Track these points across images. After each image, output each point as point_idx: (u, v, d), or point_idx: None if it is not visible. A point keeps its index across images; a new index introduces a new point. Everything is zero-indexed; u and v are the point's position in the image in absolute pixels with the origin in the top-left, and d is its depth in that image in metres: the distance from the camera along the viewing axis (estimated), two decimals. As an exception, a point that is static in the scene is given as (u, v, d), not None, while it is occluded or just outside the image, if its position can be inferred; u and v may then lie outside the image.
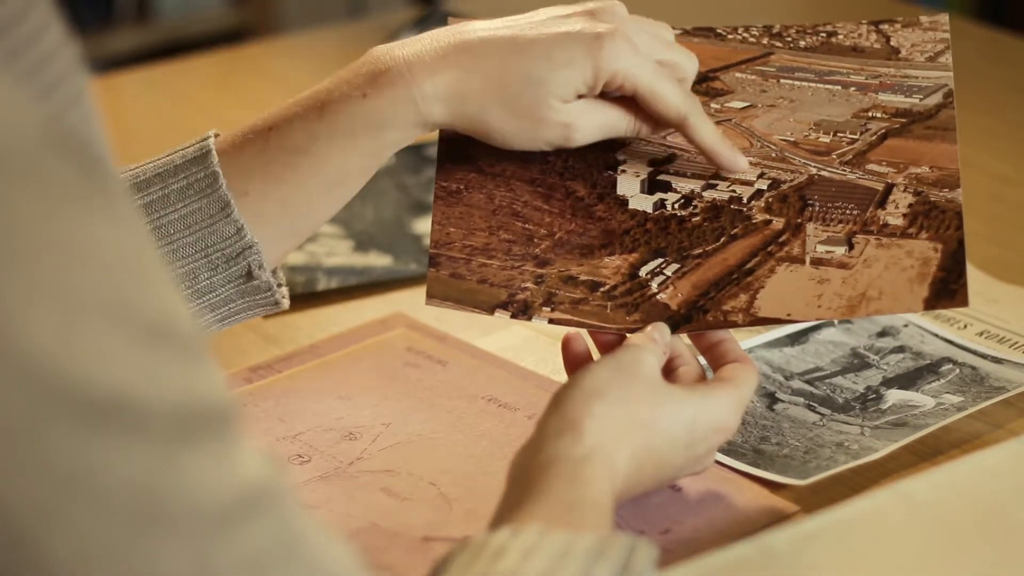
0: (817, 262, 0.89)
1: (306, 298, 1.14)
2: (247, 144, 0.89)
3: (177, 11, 3.18)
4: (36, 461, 0.50)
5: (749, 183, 0.92)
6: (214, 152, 0.88)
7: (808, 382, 0.99)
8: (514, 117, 0.88)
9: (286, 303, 0.92)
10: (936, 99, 0.94)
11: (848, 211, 0.90)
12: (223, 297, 0.90)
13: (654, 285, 0.89)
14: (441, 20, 1.55)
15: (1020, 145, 1.41)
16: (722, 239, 0.90)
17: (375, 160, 0.89)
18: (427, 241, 1.02)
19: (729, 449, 0.91)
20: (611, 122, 0.90)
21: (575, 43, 0.87)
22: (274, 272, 0.92)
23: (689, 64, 0.91)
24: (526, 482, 0.76)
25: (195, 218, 0.88)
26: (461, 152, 0.93)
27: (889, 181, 0.91)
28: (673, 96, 0.89)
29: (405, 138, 0.89)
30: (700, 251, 0.90)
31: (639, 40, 0.89)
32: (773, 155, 0.93)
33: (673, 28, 0.96)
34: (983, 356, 1.02)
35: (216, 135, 0.90)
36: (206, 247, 0.88)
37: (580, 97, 0.88)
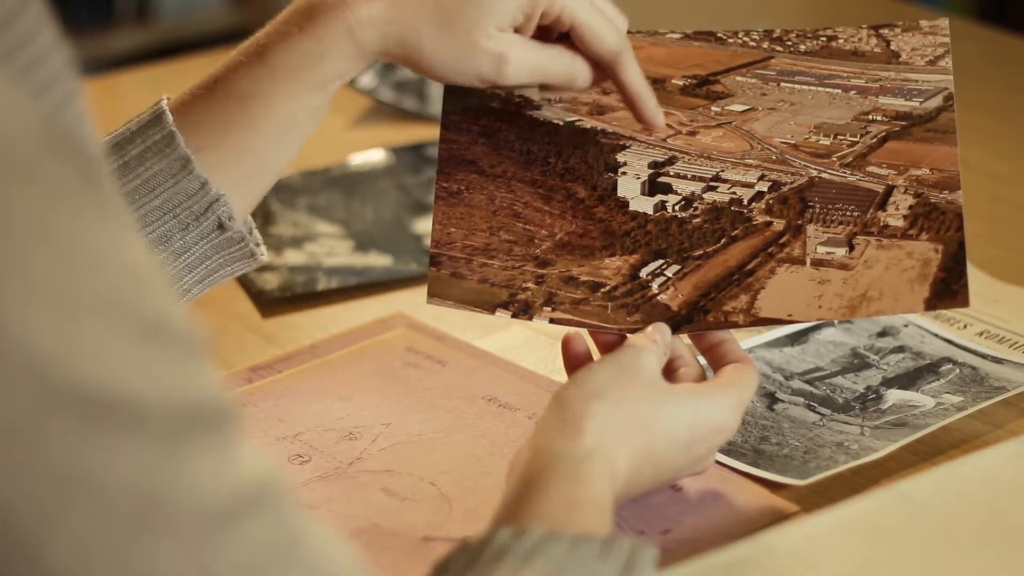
0: (818, 263, 0.89)
1: (306, 298, 1.14)
2: (196, 100, 0.89)
3: (177, 11, 3.18)
4: (35, 460, 0.50)
5: (750, 185, 0.92)
6: (168, 112, 0.88)
7: (808, 382, 0.99)
8: (448, 41, 0.87)
9: (262, 254, 0.92)
10: (936, 102, 0.95)
11: (848, 213, 0.90)
12: (198, 255, 0.89)
13: (655, 286, 0.89)
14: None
15: (1020, 145, 1.41)
16: (722, 240, 0.91)
17: (321, 96, 0.89)
18: (427, 241, 1.03)
19: (729, 449, 0.91)
20: (545, 63, 0.89)
21: None
22: (249, 229, 0.91)
23: (620, 17, 0.92)
24: (526, 482, 0.76)
25: (158, 180, 0.88)
26: (462, 153, 0.93)
27: (889, 183, 0.91)
28: (608, 32, 0.90)
29: (347, 70, 0.89)
30: (701, 252, 0.90)
31: None
32: (773, 157, 0.94)
33: (674, 32, 0.97)
34: (983, 356, 1.02)
35: (168, 99, 0.90)
36: (174, 207, 0.88)
37: (516, 31, 0.88)
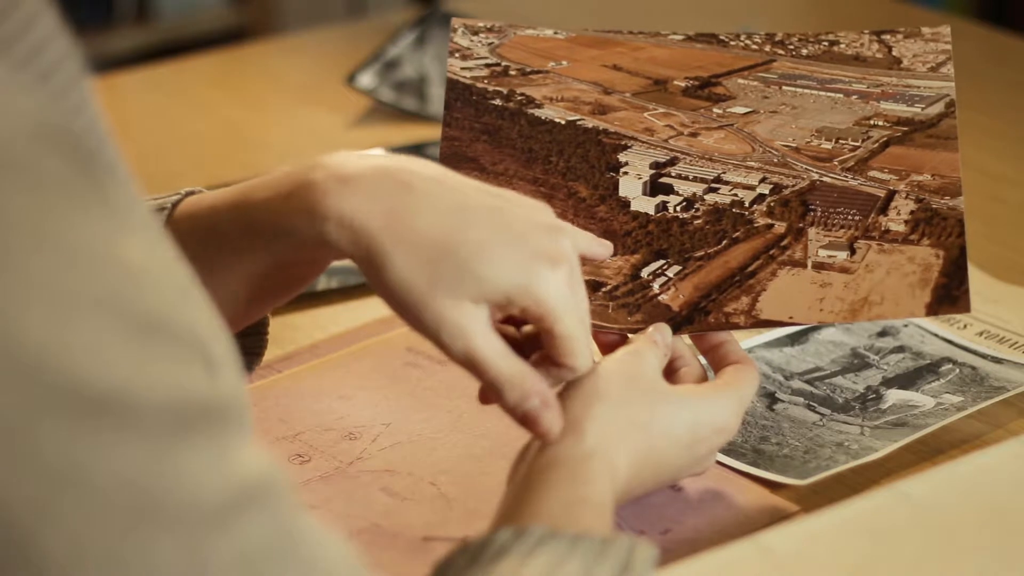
0: (819, 266, 0.89)
1: (306, 298, 1.14)
2: (191, 217, 0.83)
3: (177, 11, 3.18)
4: (30, 457, 0.50)
5: (751, 187, 0.92)
6: (167, 211, 0.83)
7: (808, 382, 0.99)
8: (414, 276, 0.76)
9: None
10: (938, 108, 0.95)
11: (850, 217, 0.90)
12: None
13: (656, 286, 0.89)
14: (441, 20, 1.56)
15: (1020, 145, 1.41)
16: (724, 242, 0.91)
17: (284, 273, 0.82)
18: (427, 241, 1.02)
19: (729, 449, 0.91)
20: (490, 359, 0.77)
21: (523, 253, 0.77)
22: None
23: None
24: (527, 483, 0.76)
25: None
26: (463, 151, 0.93)
27: (891, 188, 0.91)
28: (584, 355, 0.79)
29: (306, 256, 0.81)
30: (702, 253, 0.90)
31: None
32: (775, 160, 0.94)
33: (675, 34, 0.96)
34: (983, 356, 1.02)
35: (191, 193, 0.84)
36: None
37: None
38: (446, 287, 0.75)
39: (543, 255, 0.77)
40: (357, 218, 0.76)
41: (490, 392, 0.79)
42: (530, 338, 0.82)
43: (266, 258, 0.80)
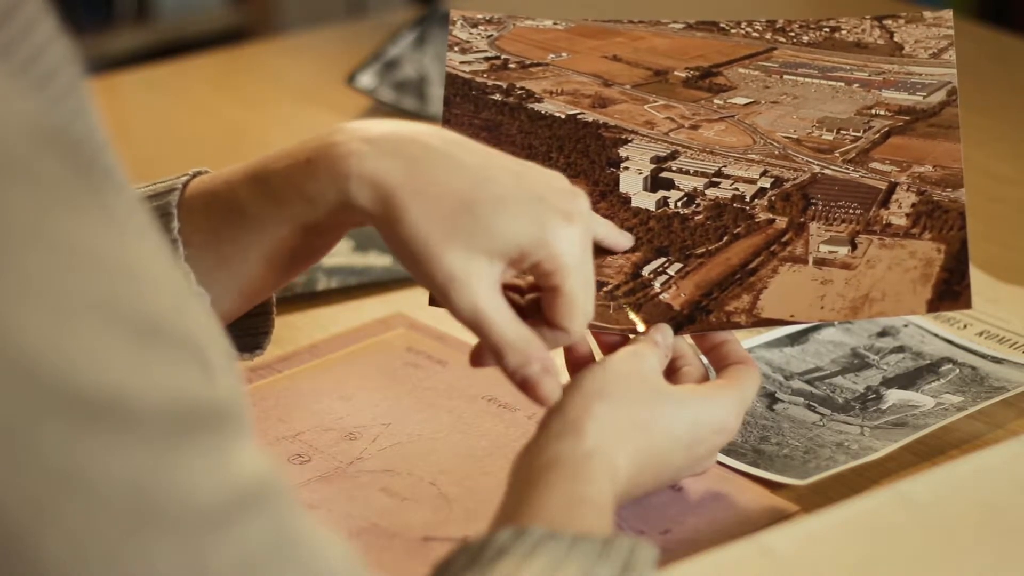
0: (820, 262, 0.89)
1: (306, 298, 1.14)
2: (208, 195, 0.84)
3: (177, 11, 3.18)
4: (28, 459, 0.50)
5: (752, 181, 0.92)
6: (178, 191, 0.84)
7: (808, 382, 0.99)
8: (429, 229, 0.76)
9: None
10: (940, 96, 0.94)
11: (851, 210, 0.90)
12: None
13: (657, 285, 0.89)
14: (441, 20, 1.56)
15: (1020, 145, 1.41)
16: (725, 238, 0.90)
17: (310, 236, 0.82)
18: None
19: (729, 449, 0.91)
20: (494, 321, 0.77)
21: (540, 211, 0.78)
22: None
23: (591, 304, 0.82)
24: (527, 483, 0.76)
25: None
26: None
27: (892, 180, 0.91)
28: (584, 313, 0.80)
29: (329, 220, 0.81)
30: (703, 250, 0.90)
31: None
32: (776, 153, 0.93)
33: (676, 22, 0.96)
34: (983, 356, 1.02)
35: (199, 173, 0.85)
36: None
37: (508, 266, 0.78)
38: (462, 240, 0.76)
39: (559, 211, 0.78)
40: (378, 174, 0.77)
41: (489, 354, 0.79)
42: (531, 306, 0.83)
43: (288, 227, 0.81)
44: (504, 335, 0.78)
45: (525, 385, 0.79)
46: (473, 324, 0.78)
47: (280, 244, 0.82)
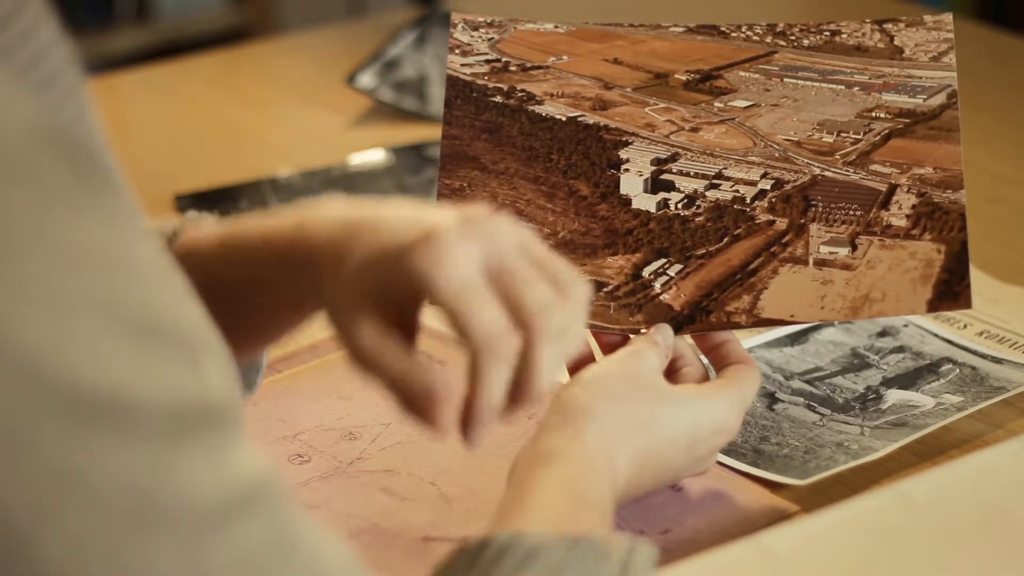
0: (820, 263, 0.89)
1: (306, 298, 1.13)
2: (206, 246, 0.78)
3: (177, 11, 3.18)
4: (29, 459, 0.50)
5: (752, 183, 0.92)
6: (174, 239, 0.78)
7: (808, 382, 0.99)
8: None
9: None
10: (940, 99, 0.95)
11: (851, 212, 0.90)
12: None
13: (657, 285, 0.89)
14: (441, 20, 1.56)
15: (1020, 145, 1.41)
16: (725, 239, 0.90)
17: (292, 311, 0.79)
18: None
19: (729, 449, 0.91)
20: (378, 355, 0.71)
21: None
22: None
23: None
24: (527, 483, 0.76)
25: None
26: (464, 149, 0.93)
27: (892, 182, 0.91)
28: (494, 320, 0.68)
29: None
30: (703, 251, 0.90)
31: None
32: (776, 155, 0.93)
33: (676, 26, 0.96)
34: (983, 356, 1.02)
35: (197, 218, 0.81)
36: None
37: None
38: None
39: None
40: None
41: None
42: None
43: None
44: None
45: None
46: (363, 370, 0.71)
47: (273, 303, 0.78)
